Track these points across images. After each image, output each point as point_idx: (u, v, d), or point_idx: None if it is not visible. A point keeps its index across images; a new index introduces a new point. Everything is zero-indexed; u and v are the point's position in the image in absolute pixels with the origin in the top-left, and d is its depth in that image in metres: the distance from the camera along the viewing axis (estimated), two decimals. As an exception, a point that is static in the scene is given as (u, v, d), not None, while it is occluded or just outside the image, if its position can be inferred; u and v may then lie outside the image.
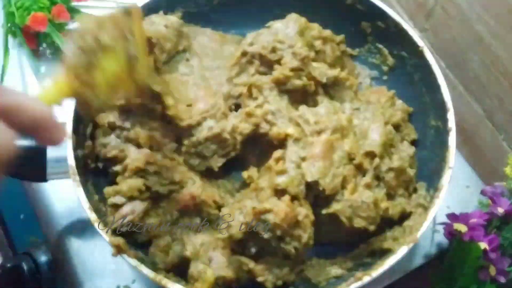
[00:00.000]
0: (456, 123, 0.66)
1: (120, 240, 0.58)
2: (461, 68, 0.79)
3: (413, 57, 0.73)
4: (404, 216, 0.65)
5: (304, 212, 0.58)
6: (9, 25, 0.83)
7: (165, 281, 0.58)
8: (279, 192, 0.58)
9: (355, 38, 0.77)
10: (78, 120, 0.66)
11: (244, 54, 0.69)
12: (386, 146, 0.66)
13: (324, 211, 0.61)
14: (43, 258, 0.72)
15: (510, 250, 0.68)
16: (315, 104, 0.68)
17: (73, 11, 0.85)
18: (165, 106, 0.63)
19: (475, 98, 0.79)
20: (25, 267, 0.70)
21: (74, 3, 0.85)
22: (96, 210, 0.62)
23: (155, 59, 0.67)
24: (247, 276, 0.59)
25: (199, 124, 0.65)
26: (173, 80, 0.68)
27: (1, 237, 0.86)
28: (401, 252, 0.59)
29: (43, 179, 0.65)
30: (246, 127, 0.64)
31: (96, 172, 0.69)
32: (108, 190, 0.62)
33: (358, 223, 0.60)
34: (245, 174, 0.65)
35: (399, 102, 0.72)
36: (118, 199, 0.61)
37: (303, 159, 0.61)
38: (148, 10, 0.72)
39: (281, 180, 0.59)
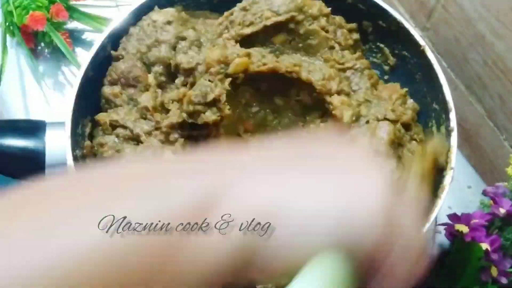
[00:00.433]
0: (458, 123, 0.66)
1: None
2: (463, 68, 0.79)
3: (415, 56, 0.72)
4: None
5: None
6: (7, 24, 0.82)
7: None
8: None
9: (356, 37, 0.77)
10: (77, 120, 0.66)
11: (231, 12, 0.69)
12: (394, 145, 0.66)
13: None
14: (41, 259, 0.71)
15: (511, 251, 0.67)
16: None
17: (71, 10, 0.84)
18: None
19: (476, 97, 0.79)
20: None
21: (72, 2, 0.85)
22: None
23: None
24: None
25: None
26: None
27: None
28: (402, 253, 0.59)
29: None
30: None
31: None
32: None
33: None
34: None
35: (410, 101, 0.72)
36: None
37: None
38: (148, 8, 0.72)
39: None
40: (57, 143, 0.64)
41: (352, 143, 0.63)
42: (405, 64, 0.74)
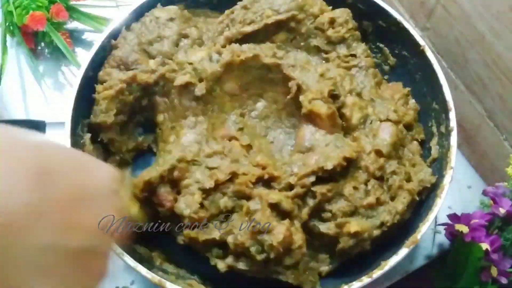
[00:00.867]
0: (458, 123, 0.66)
1: None
2: (463, 68, 0.79)
3: (414, 56, 0.72)
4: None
5: (299, 242, 0.58)
6: (7, 24, 0.82)
7: (163, 281, 0.57)
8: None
9: (356, 37, 0.77)
10: (77, 120, 0.66)
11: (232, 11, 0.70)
12: (396, 146, 0.66)
13: (316, 230, 0.62)
14: (41, 259, 0.71)
15: (511, 251, 0.67)
16: None
17: (72, 10, 0.84)
18: None
19: (476, 97, 0.79)
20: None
21: (72, 2, 0.85)
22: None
23: None
24: None
25: None
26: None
27: None
28: (401, 253, 0.59)
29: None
30: None
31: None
32: None
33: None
34: None
35: (412, 101, 0.72)
36: None
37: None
38: (148, 8, 0.72)
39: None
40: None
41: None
42: (405, 64, 0.74)
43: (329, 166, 0.61)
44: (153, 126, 0.70)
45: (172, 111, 0.67)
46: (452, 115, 0.66)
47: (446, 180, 0.62)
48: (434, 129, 0.70)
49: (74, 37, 0.85)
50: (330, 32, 0.71)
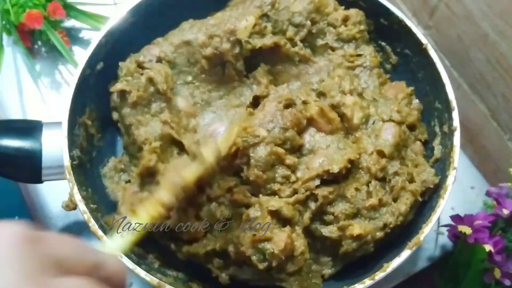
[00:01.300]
0: (461, 123, 0.65)
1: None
2: (466, 66, 0.78)
3: (417, 55, 0.71)
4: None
5: (301, 248, 0.58)
6: (3, 22, 0.81)
7: (162, 284, 0.57)
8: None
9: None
10: (74, 120, 0.65)
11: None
12: (399, 147, 0.65)
13: (318, 233, 0.61)
14: (38, 261, 0.71)
15: (515, 252, 0.66)
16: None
17: (69, 8, 0.83)
18: None
19: (479, 96, 0.78)
20: (20, 270, 0.69)
21: (70, 0, 0.84)
22: (92, 211, 0.61)
23: None
24: None
25: None
26: None
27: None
28: (404, 255, 0.58)
29: (39, 180, 0.64)
30: None
31: (92, 173, 0.68)
32: None
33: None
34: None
35: (415, 101, 0.71)
36: None
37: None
38: (145, 6, 0.71)
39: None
40: (53, 143, 0.63)
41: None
42: (407, 63, 0.74)
43: (335, 169, 0.60)
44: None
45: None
46: (455, 114, 0.65)
47: (449, 180, 0.62)
48: (437, 128, 0.69)
49: (71, 36, 0.84)
50: (342, 29, 0.70)
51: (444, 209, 0.61)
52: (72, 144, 0.64)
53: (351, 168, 0.63)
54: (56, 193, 0.72)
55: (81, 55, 0.68)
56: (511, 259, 0.67)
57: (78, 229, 0.71)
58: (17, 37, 0.81)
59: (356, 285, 0.57)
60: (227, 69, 0.69)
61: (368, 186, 0.63)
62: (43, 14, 0.79)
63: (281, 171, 0.61)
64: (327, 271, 0.63)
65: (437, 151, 0.68)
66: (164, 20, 0.71)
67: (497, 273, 0.66)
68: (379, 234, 0.61)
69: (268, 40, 0.67)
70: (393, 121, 0.66)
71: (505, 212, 0.67)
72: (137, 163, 0.64)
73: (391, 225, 0.61)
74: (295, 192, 0.61)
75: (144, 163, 0.61)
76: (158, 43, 0.70)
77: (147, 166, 0.61)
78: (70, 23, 0.85)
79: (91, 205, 0.62)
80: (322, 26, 0.71)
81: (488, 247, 0.65)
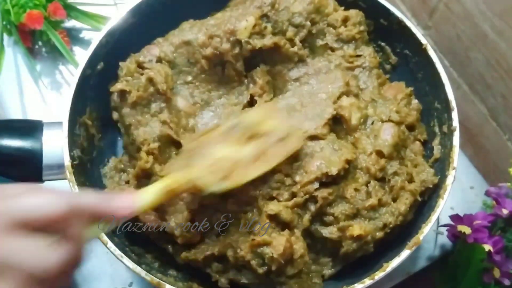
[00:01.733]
0: (460, 123, 0.65)
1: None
2: (465, 66, 0.78)
3: (416, 55, 0.71)
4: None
5: (301, 251, 0.58)
6: (4, 23, 0.81)
7: (162, 283, 0.57)
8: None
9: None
10: (74, 120, 0.65)
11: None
12: (397, 147, 0.65)
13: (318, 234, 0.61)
14: (38, 261, 0.71)
15: (514, 252, 0.67)
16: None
17: (69, 9, 0.83)
18: None
19: (479, 97, 0.78)
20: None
21: (70, 1, 0.84)
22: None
23: None
24: None
25: None
26: None
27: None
28: (404, 254, 0.58)
29: (39, 180, 0.64)
30: None
31: (92, 173, 0.68)
32: None
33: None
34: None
35: (414, 102, 0.71)
36: None
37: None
38: (145, 6, 0.71)
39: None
40: (54, 143, 0.63)
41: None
42: (407, 63, 0.74)
43: (333, 171, 0.60)
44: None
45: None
46: (454, 114, 0.65)
47: (449, 180, 0.62)
48: (436, 129, 0.69)
49: (72, 36, 0.85)
50: (341, 29, 0.70)
51: (443, 209, 0.61)
52: (72, 144, 0.64)
53: (350, 169, 0.63)
54: (57, 193, 0.73)
55: (82, 55, 0.68)
56: (510, 258, 0.67)
57: (78, 228, 0.71)
58: (18, 37, 0.81)
59: (356, 285, 0.57)
60: (227, 69, 0.69)
61: (367, 186, 0.63)
62: (44, 15, 0.79)
63: (273, 176, 0.61)
64: (327, 271, 0.63)
65: (437, 151, 0.68)
66: (164, 20, 0.71)
67: (497, 273, 0.66)
68: (379, 234, 0.61)
69: (268, 41, 0.68)
70: (392, 121, 0.66)
71: (505, 212, 0.67)
72: (135, 163, 0.64)
73: (391, 225, 0.61)
74: (293, 195, 0.61)
75: (141, 165, 0.61)
76: (158, 43, 0.70)
77: (143, 168, 0.61)
78: (70, 23, 0.86)
79: (92, 205, 0.62)
80: (322, 27, 0.71)
81: (487, 247, 0.65)
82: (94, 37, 0.69)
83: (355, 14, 0.71)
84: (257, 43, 0.67)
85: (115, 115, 0.69)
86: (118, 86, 0.66)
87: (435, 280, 0.69)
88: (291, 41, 0.69)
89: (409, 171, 0.65)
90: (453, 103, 0.66)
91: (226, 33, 0.67)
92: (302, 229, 0.60)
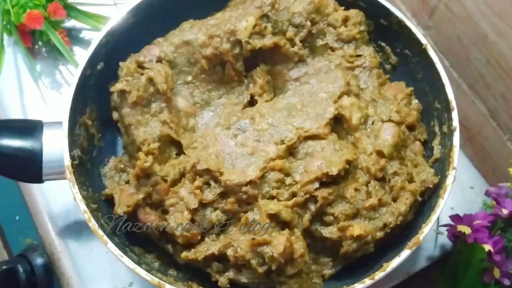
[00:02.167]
0: (460, 123, 0.65)
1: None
2: (465, 67, 0.78)
3: (416, 55, 0.71)
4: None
5: (301, 251, 0.58)
6: (4, 23, 0.81)
7: (162, 283, 0.57)
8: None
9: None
10: (74, 119, 0.65)
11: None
12: (398, 147, 0.65)
13: (318, 234, 0.61)
14: (38, 261, 0.71)
15: (514, 252, 0.67)
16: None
17: (69, 9, 0.83)
18: None
19: (479, 97, 0.78)
20: (20, 269, 0.69)
21: (70, 1, 0.84)
22: (93, 211, 0.61)
23: None
24: None
25: None
26: None
27: (-3, 238, 0.86)
28: (404, 254, 0.58)
29: (39, 179, 0.64)
30: None
31: (92, 172, 0.68)
32: None
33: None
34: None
35: (415, 102, 0.71)
36: None
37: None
38: (146, 6, 0.71)
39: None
40: (54, 143, 0.63)
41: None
42: (407, 63, 0.74)
43: (334, 171, 0.60)
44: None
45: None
46: (454, 114, 0.65)
47: (449, 180, 0.62)
48: (436, 128, 0.69)
49: (72, 36, 0.85)
50: (342, 29, 0.70)
51: (443, 209, 0.61)
52: (72, 144, 0.64)
53: (350, 169, 0.63)
54: (57, 193, 0.73)
55: (82, 55, 0.68)
56: (510, 258, 0.67)
57: (78, 228, 0.71)
58: (18, 37, 0.81)
59: (356, 284, 0.58)
60: (227, 69, 0.69)
61: (367, 186, 0.63)
62: (44, 15, 0.79)
63: (272, 176, 0.62)
64: (327, 271, 0.63)
65: (437, 151, 0.68)
66: (164, 20, 0.72)
67: (497, 273, 0.66)
68: (379, 234, 0.61)
69: (268, 41, 0.68)
70: (392, 121, 0.66)
71: (505, 212, 0.67)
72: (135, 163, 0.64)
73: (391, 225, 0.61)
74: (294, 195, 0.61)
75: (140, 165, 0.61)
76: (158, 43, 0.70)
77: (142, 168, 0.61)
78: (70, 23, 0.85)
79: (92, 205, 0.62)
80: (322, 27, 0.71)
81: (487, 247, 0.65)
82: (94, 37, 0.69)
83: (355, 14, 0.71)
84: (257, 43, 0.67)
85: (115, 115, 0.69)
86: (118, 86, 0.66)
87: (435, 280, 0.69)
88: (291, 41, 0.69)
89: (409, 171, 0.65)
90: (453, 103, 0.66)
91: (226, 33, 0.67)
92: (302, 228, 0.60)
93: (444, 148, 0.67)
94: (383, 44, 0.75)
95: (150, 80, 0.66)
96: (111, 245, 0.58)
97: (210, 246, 0.60)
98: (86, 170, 0.66)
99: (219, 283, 0.60)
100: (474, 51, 0.75)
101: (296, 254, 0.58)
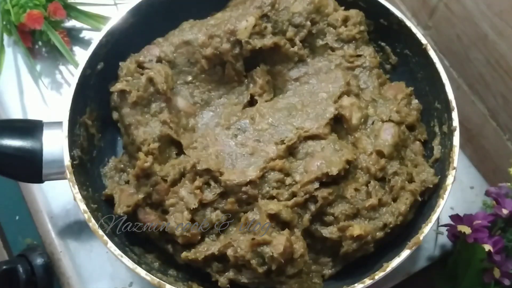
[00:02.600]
0: (460, 123, 0.65)
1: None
2: (465, 66, 0.78)
3: (416, 55, 0.71)
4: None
5: (301, 251, 0.58)
6: (4, 23, 0.81)
7: (162, 283, 0.57)
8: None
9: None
10: (74, 119, 0.65)
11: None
12: (398, 147, 0.65)
13: (318, 234, 0.61)
14: (38, 261, 0.71)
15: (515, 252, 0.67)
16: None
17: (69, 9, 0.83)
18: None
19: (479, 97, 0.78)
20: (20, 269, 0.69)
21: (70, 0, 0.84)
22: (93, 211, 0.61)
23: None
24: None
25: None
26: None
27: (-3, 238, 0.85)
28: (404, 254, 0.58)
29: (39, 179, 0.64)
30: None
31: (92, 173, 0.68)
32: None
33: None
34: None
35: (415, 102, 0.71)
36: None
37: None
38: (146, 6, 0.71)
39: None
40: (54, 143, 0.63)
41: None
42: (407, 63, 0.74)
43: (334, 171, 0.60)
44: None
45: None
46: (454, 114, 0.65)
47: (449, 180, 0.62)
48: (436, 128, 0.69)
49: (72, 36, 0.85)
50: (342, 29, 0.70)
51: (443, 209, 0.61)
52: (72, 144, 0.64)
53: (350, 169, 0.63)
54: (57, 193, 0.73)
55: (82, 55, 0.68)
56: (510, 258, 0.67)
57: (78, 228, 0.71)
58: (18, 37, 0.81)
59: (356, 284, 0.57)
60: (227, 69, 0.69)
61: (367, 186, 0.63)
62: (44, 15, 0.79)
63: (272, 176, 0.62)
64: (327, 271, 0.63)
65: (437, 151, 0.68)
66: (164, 20, 0.72)
67: (497, 273, 0.66)
68: (379, 234, 0.61)
69: (268, 41, 0.68)
70: (392, 121, 0.66)
71: (505, 212, 0.67)
72: (135, 163, 0.64)
73: (391, 225, 0.61)
74: (294, 195, 0.61)
75: (140, 165, 0.61)
76: (158, 43, 0.70)
77: (142, 168, 0.61)
78: (70, 23, 0.85)
79: (92, 205, 0.62)
80: (322, 27, 0.71)
81: (487, 247, 0.65)
82: (94, 37, 0.69)
83: (355, 14, 0.71)
84: (257, 43, 0.67)
85: (115, 115, 0.69)
86: (118, 86, 0.66)
87: (435, 280, 0.69)
88: (291, 41, 0.69)
89: (409, 171, 0.65)
90: (453, 103, 0.66)
91: (226, 33, 0.67)
92: (302, 228, 0.60)
93: (444, 148, 0.67)
94: (383, 44, 0.75)
95: (150, 80, 0.66)
96: (111, 245, 0.58)
97: (210, 246, 0.60)
98: (86, 170, 0.66)
99: (219, 283, 0.60)
100: (474, 51, 0.75)
101: (296, 254, 0.58)
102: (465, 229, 0.66)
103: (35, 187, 0.74)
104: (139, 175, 0.62)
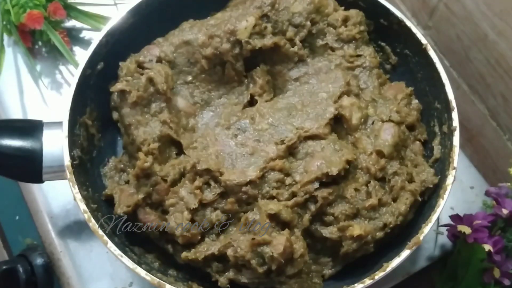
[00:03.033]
0: (460, 123, 0.65)
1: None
2: (465, 67, 0.78)
3: (416, 55, 0.71)
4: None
5: (301, 251, 0.58)
6: (4, 23, 0.81)
7: (162, 283, 0.57)
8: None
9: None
10: (74, 119, 0.65)
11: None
12: (398, 147, 0.65)
13: (318, 234, 0.61)
14: (38, 261, 0.71)
15: (515, 252, 0.67)
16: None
17: (69, 9, 0.83)
18: None
19: (479, 97, 0.78)
20: (20, 269, 0.69)
21: (70, 0, 0.84)
22: (93, 211, 0.61)
23: None
24: None
25: None
26: None
27: (-3, 238, 0.85)
28: (404, 254, 0.58)
29: (39, 180, 0.64)
30: None
31: (92, 173, 0.68)
32: None
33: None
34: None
35: (415, 102, 0.71)
36: None
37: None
38: (146, 6, 0.71)
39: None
40: (54, 143, 0.63)
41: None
42: (407, 63, 0.74)
43: (334, 171, 0.60)
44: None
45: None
46: (454, 114, 0.65)
47: (449, 180, 0.62)
48: (436, 128, 0.69)
49: (72, 36, 0.85)
50: (342, 29, 0.70)
51: (443, 209, 0.61)
52: (72, 144, 0.64)
53: (350, 169, 0.63)
54: (57, 193, 0.73)
55: (82, 55, 0.68)
56: (510, 258, 0.67)
57: (78, 228, 0.71)
58: (18, 37, 0.81)
59: (356, 284, 0.58)
60: (227, 69, 0.69)
61: (367, 186, 0.63)
62: (44, 15, 0.79)
63: (272, 176, 0.62)
64: (327, 271, 0.63)
65: (437, 151, 0.68)
66: (164, 20, 0.72)
67: (497, 273, 0.66)
68: (379, 234, 0.61)
69: (268, 41, 0.68)
70: (392, 121, 0.66)
71: (505, 212, 0.67)
72: (135, 163, 0.64)
73: (391, 225, 0.61)
74: (294, 195, 0.61)
75: (140, 165, 0.61)
76: (158, 43, 0.70)
77: (142, 168, 0.61)
78: (70, 23, 0.86)
79: (92, 205, 0.62)
80: (322, 27, 0.71)
81: (487, 247, 0.65)
82: (94, 37, 0.69)
83: (355, 14, 0.71)
84: (257, 43, 0.67)
85: (115, 115, 0.69)
86: (118, 86, 0.66)
87: (435, 280, 0.69)
88: (291, 41, 0.69)
89: (409, 171, 0.65)
90: (453, 103, 0.66)
91: (226, 33, 0.67)
92: (302, 228, 0.60)
93: (444, 148, 0.67)
94: (383, 44, 0.76)
95: (150, 80, 0.66)
96: (111, 245, 0.58)
97: (210, 246, 0.60)
98: (86, 170, 0.66)
99: (219, 283, 0.60)
100: (474, 51, 0.75)
101: (296, 254, 0.58)
102: (465, 229, 0.66)
103: (35, 187, 0.74)
104: (139, 175, 0.62)
